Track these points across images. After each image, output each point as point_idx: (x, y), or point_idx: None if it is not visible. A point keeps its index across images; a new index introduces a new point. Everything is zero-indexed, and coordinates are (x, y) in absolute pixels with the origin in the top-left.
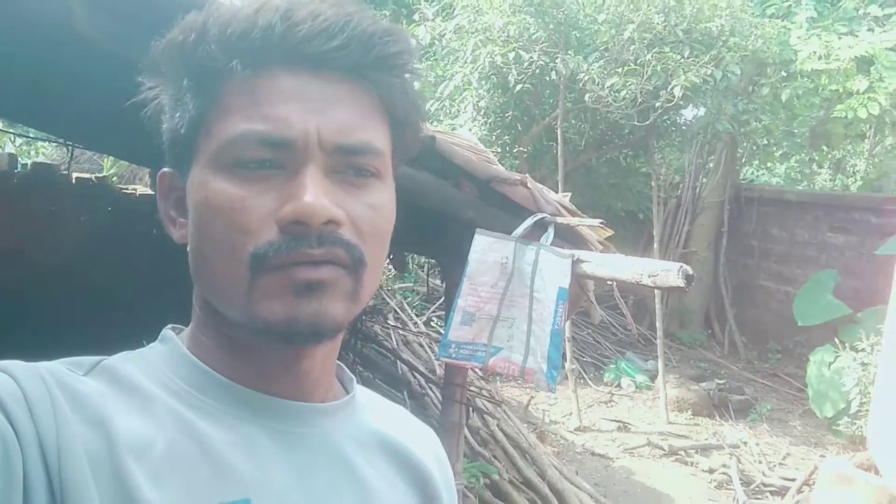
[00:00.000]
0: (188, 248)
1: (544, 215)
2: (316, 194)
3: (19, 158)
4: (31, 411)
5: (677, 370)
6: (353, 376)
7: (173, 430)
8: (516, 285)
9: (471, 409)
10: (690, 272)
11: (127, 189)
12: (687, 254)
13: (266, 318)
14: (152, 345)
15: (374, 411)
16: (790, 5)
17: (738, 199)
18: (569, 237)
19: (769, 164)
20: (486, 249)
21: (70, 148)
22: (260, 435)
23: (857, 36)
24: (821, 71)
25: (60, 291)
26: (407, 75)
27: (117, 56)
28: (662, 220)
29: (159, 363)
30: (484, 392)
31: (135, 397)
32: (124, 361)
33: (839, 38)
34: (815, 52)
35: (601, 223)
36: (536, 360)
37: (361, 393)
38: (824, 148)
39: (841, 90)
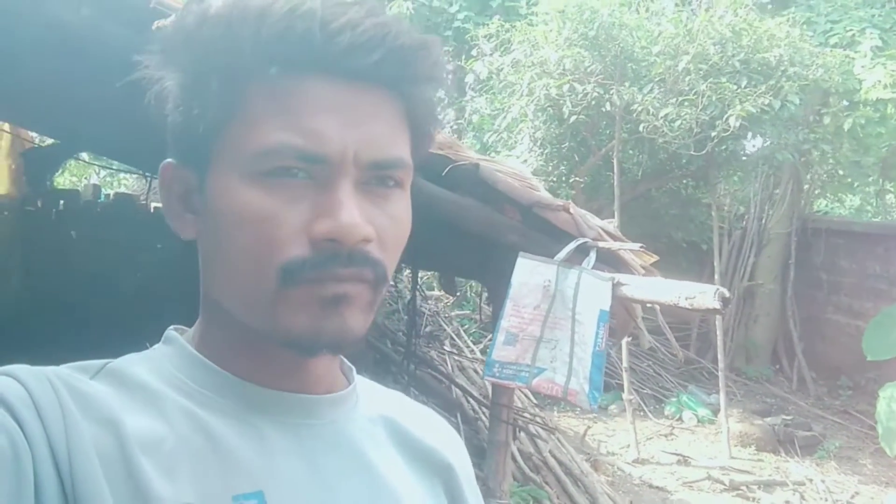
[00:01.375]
0: (201, 248)
1: (586, 240)
2: (352, 213)
3: (103, 189)
4: (39, 414)
5: (741, 404)
6: (351, 366)
7: (183, 426)
8: (559, 308)
9: (517, 429)
10: (727, 294)
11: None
12: (753, 286)
13: (290, 330)
14: (156, 346)
15: (375, 398)
16: (854, 34)
17: (806, 231)
18: (611, 262)
19: (840, 195)
20: (528, 272)
21: (148, 179)
22: (269, 428)
23: None
24: (887, 100)
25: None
26: (436, 87)
27: None
28: (727, 251)
29: (165, 362)
30: (538, 419)
31: (143, 396)
32: (130, 363)
33: None
34: (880, 81)
35: (641, 247)
36: (579, 381)
37: (361, 381)
38: None
39: None
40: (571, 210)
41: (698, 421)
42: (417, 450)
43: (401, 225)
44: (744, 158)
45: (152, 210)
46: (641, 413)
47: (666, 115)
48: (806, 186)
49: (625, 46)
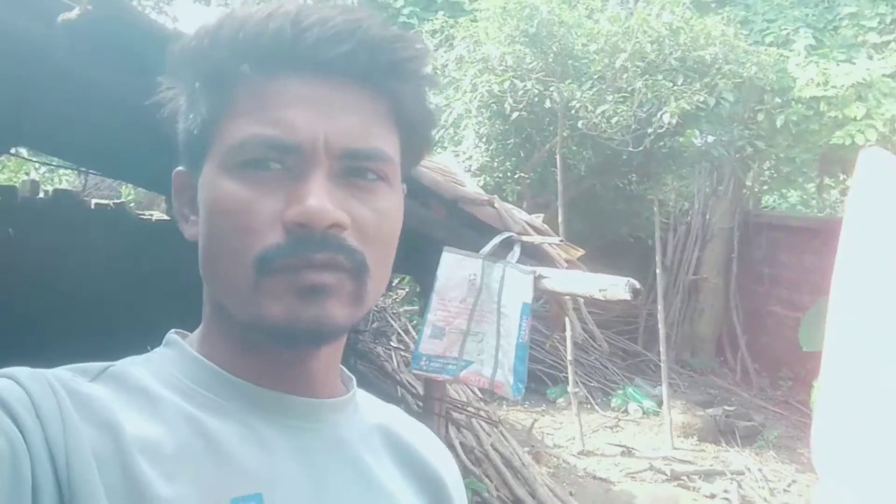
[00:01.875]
0: (199, 247)
1: (511, 234)
2: (320, 198)
3: (42, 185)
4: (38, 415)
5: (685, 396)
6: (351, 375)
7: (183, 429)
8: (485, 301)
9: (449, 422)
10: (637, 286)
11: (144, 214)
12: (697, 280)
13: (269, 319)
14: (157, 349)
15: (373, 409)
16: (788, 33)
17: (748, 226)
18: (538, 255)
19: (783, 191)
20: (454, 266)
21: (85, 175)
22: (270, 431)
23: (854, 63)
24: (819, 98)
25: (77, 314)
26: (418, 82)
27: (134, 88)
28: (672, 246)
29: (166, 365)
30: (482, 413)
31: (143, 400)
32: (130, 365)
33: (837, 65)
34: (812, 80)
35: (562, 241)
36: (504, 372)
37: (360, 392)
38: (840, 174)
39: (840, 116)
40: (496, 205)
41: (643, 413)
42: (413, 462)
43: (386, 218)
44: (684, 154)
45: (93, 206)
46: (588, 406)
47: (603, 111)
48: (749, 183)
49: (565, 44)
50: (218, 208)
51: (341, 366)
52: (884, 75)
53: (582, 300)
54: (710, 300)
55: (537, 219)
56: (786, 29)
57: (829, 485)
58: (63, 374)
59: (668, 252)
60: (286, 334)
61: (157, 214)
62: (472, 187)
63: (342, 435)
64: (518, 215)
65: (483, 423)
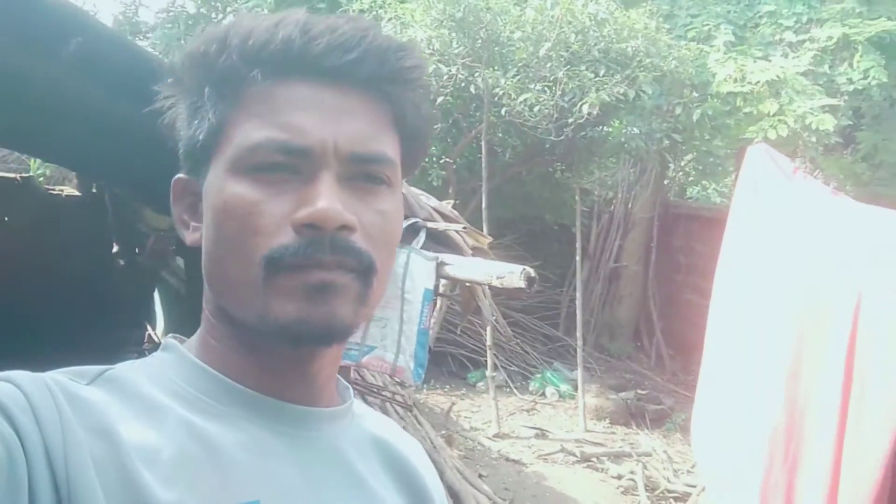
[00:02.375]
0: (203, 251)
1: (417, 220)
2: (330, 200)
3: None
4: (37, 420)
5: (601, 380)
6: (348, 385)
7: (181, 434)
8: (389, 287)
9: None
10: (533, 275)
11: (54, 190)
12: (618, 268)
13: (278, 318)
14: (155, 353)
15: (369, 420)
16: (710, 29)
17: (667, 216)
18: (446, 242)
19: (704, 182)
20: None
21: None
22: (268, 437)
23: (770, 60)
24: (736, 94)
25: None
26: (419, 90)
27: (44, 60)
28: (596, 234)
29: (165, 370)
30: (397, 397)
31: (140, 405)
32: (128, 370)
33: (754, 62)
34: (730, 76)
35: (465, 228)
36: (406, 358)
37: (355, 402)
38: None
39: (755, 112)
40: (403, 190)
41: (560, 396)
42: (404, 473)
43: (389, 220)
44: (605, 145)
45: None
46: (507, 389)
47: (525, 99)
48: (671, 174)
49: (491, 30)
50: (227, 210)
51: (338, 376)
52: (797, 73)
53: (487, 288)
54: (630, 287)
55: (447, 205)
56: (707, 24)
57: (701, 460)
58: (60, 377)
59: (591, 240)
60: (296, 333)
61: (68, 190)
62: None
63: (339, 444)
64: (426, 202)
65: (398, 408)
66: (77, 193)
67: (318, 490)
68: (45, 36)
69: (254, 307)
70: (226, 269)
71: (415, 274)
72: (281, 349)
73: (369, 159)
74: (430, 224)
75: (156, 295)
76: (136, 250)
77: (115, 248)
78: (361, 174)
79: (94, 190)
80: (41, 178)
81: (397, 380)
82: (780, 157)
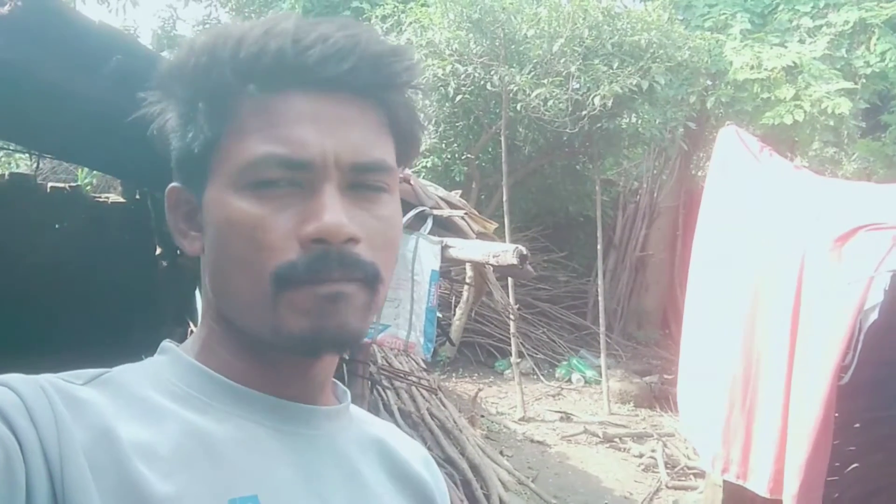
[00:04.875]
0: (204, 262)
1: (424, 208)
2: (336, 213)
3: None
4: (33, 421)
5: (627, 366)
6: (346, 389)
7: (179, 431)
8: (401, 270)
9: (373, 384)
10: (524, 252)
11: (100, 198)
12: (644, 257)
13: (293, 332)
14: (151, 357)
15: (370, 423)
16: (727, 18)
17: (693, 204)
18: (453, 228)
19: None
20: None
21: (37, 158)
22: (266, 435)
23: (786, 47)
24: (753, 80)
25: (34, 294)
26: (412, 91)
27: (80, 78)
28: (622, 224)
29: (162, 371)
30: (423, 381)
31: (136, 404)
32: (124, 372)
33: (770, 48)
34: (747, 63)
35: (466, 214)
36: (416, 334)
37: (353, 406)
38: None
39: (772, 98)
40: (412, 182)
41: (586, 382)
42: (405, 475)
43: (391, 226)
44: (621, 136)
45: (49, 190)
46: (534, 376)
47: (538, 94)
48: (694, 162)
49: (507, 29)
50: (232, 227)
51: (334, 380)
52: (813, 58)
53: (491, 269)
54: (657, 275)
55: (455, 195)
56: (724, 13)
57: (682, 409)
58: (56, 379)
59: (617, 230)
60: (311, 344)
61: (114, 197)
62: None
63: (337, 442)
64: (433, 191)
65: (423, 391)
66: (122, 200)
67: (316, 486)
68: (88, 54)
69: (266, 322)
70: (234, 285)
71: (423, 257)
72: (294, 358)
73: (370, 168)
74: (436, 211)
75: (197, 293)
76: (178, 252)
77: (158, 251)
78: (362, 183)
79: (137, 196)
80: (88, 187)
81: (411, 355)
82: (748, 138)
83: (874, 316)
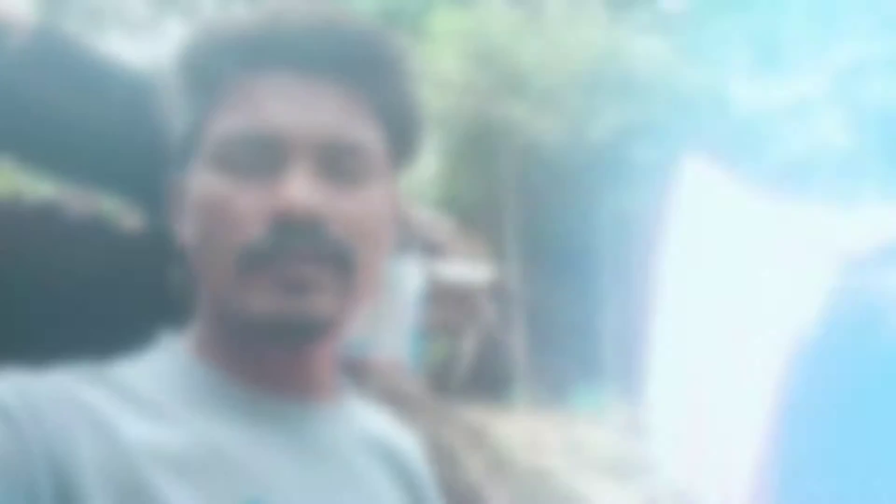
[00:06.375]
0: (190, 247)
1: (411, 231)
2: (300, 191)
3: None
4: (35, 420)
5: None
6: (346, 383)
7: (181, 431)
8: (386, 288)
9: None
10: (497, 274)
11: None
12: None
13: (253, 312)
14: (150, 352)
15: (367, 417)
16: (731, 52)
17: None
18: (438, 251)
19: None
20: None
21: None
22: (268, 434)
23: (790, 81)
24: (755, 113)
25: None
26: (395, 74)
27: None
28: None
29: (161, 367)
30: (424, 400)
31: (139, 403)
32: (126, 368)
33: (774, 83)
34: (749, 97)
35: (455, 237)
36: (402, 352)
37: (353, 400)
38: None
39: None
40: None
41: (597, 411)
42: (403, 469)
43: (370, 212)
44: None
45: (70, 215)
46: (545, 404)
47: (539, 126)
48: None
49: (510, 62)
50: (202, 205)
51: (337, 374)
52: (816, 93)
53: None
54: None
55: (440, 220)
56: (729, 47)
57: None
58: (59, 378)
59: (632, 263)
60: (273, 329)
61: (133, 222)
62: None
63: (337, 440)
64: (419, 217)
65: (424, 410)
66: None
67: (317, 485)
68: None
69: (234, 301)
70: (207, 263)
71: (407, 277)
72: (275, 349)
73: (343, 149)
74: (424, 234)
75: None
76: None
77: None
78: (337, 164)
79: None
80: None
81: (397, 372)
82: (707, 167)
83: (816, 333)
